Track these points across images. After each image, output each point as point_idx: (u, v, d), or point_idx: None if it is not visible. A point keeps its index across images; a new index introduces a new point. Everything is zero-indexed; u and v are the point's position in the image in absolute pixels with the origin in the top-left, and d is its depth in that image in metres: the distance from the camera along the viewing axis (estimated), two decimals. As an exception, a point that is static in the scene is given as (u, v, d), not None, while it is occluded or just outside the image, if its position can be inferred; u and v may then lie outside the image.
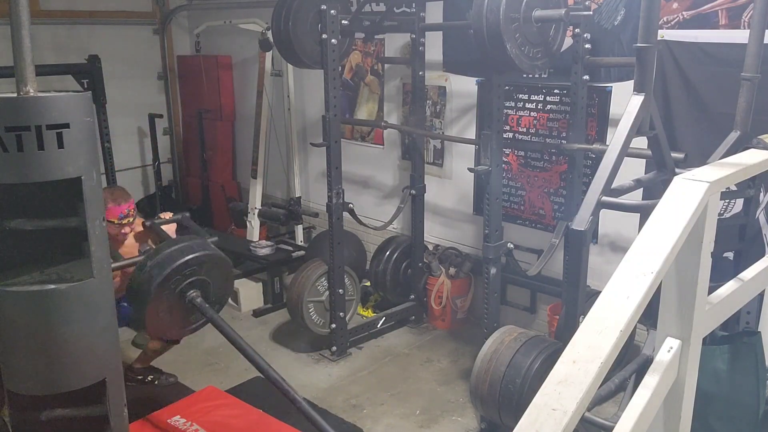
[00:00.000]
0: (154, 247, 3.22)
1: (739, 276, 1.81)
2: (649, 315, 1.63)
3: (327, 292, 4.25)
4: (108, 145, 5.28)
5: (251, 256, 5.15)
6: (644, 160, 3.49)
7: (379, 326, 4.56)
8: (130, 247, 3.63)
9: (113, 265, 2.97)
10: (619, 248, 3.96)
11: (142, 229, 3.64)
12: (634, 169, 3.37)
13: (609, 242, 4.01)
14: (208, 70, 6.37)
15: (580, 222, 2.54)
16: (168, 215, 3.68)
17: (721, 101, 3.27)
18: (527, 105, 4.23)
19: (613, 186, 2.63)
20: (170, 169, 6.98)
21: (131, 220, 3.53)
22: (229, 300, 5.06)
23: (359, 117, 5.30)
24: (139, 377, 3.90)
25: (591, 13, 3.37)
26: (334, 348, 4.23)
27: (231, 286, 3.33)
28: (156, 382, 3.93)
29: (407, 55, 4.68)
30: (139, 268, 3.00)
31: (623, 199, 2.65)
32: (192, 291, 3.06)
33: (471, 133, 4.60)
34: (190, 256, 3.02)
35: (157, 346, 3.83)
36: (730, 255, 2.93)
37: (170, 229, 3.64)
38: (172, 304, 3.08)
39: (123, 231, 3.53)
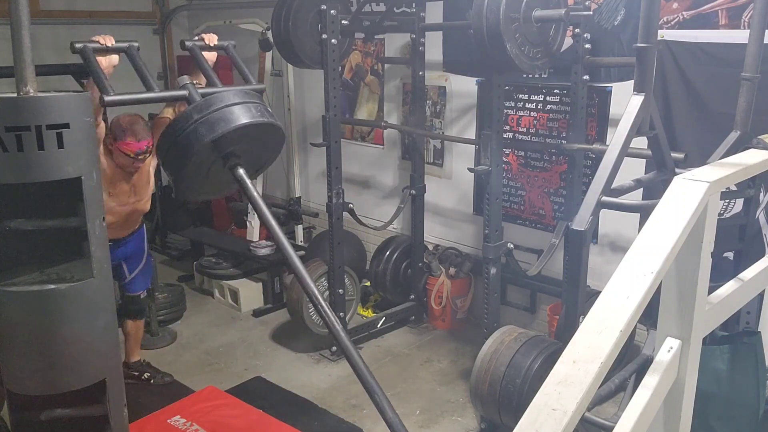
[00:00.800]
0: (193, 83, 2.57)
1: (739, 276, 1.81)
2: (649, 315, 1.63)
3: (327, 292, 4.25)
4: (108, 145, 5.27)
5: (251, 256, 5.14)
6: (644, 160, 3.49)
7: (379, 326, 4.56)
8: (141, 172, 3.45)
9: (145, 95, 2.52)
10: (619, 248, 3.96)
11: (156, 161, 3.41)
12: (634, 169, 3.37)
13: (609, 242, 4.01)
14: (208, 70, 6.36)
15: (580, 222, 2.54)
16: (213, 39, 2.96)
17: (721, 101, 3.27)
18: (527, 105, 4.23)
19: (613, 186, 2.63)
20: (170, 169, 6.97)
21: (148, 156, 3.33)
22: (229, 300, 5.08)
23: (359, 117, 5.30)
24: (135, 373, 3.90)
25: (591, 13, 3.37)
26: (334, 348, 4.23)
27: (276, 156, 2.79)
28: (152, 381, 3.93)
29: (407, 55, 4.68)
30: (183, 118, 2.39)
31: (623, 199, 2.65)
32: (236, 159, 2.51)
33: (471, 133, 4.60)
34: (247, 122, 2.40)
35: (128, 326, 3.85)
36: (730, 255, 2.93)
37: (210, 59, 3.00)
38: (209, 166, 2.53)
39: (135, 165, 3.35)
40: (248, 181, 2.53)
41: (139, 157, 3.31)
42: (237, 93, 2.47)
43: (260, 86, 2.79)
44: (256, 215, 5.55)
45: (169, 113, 3.42)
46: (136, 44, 2.68)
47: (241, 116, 2.38)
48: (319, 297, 2.44)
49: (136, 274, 3.77)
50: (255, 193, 2.55)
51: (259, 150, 2.66)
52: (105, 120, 3.27)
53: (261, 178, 5.63)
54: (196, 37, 2.91)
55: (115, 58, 2.71)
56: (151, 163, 3.53)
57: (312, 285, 2.46)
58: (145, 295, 3.93)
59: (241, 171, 2.51)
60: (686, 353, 1.50)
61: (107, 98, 2.39)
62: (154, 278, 4.30)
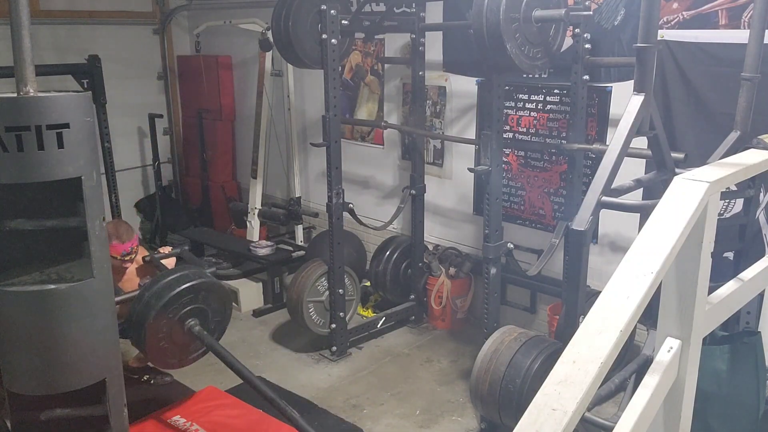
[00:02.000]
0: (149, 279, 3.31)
1: (739, 276, 1.81)
2: (649, 315, 1.63)
3: (327, 292, 4.25)
4: (108, 145, 5.28)
5: (251, 256, 5.14)
6: (644, 160, 3.49)
7: (379, 326, 4.56)
8: (130, 279, 3.71)
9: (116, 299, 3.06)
10: (619, 248, 3.96)
11: (142, 262, 3.74)
12: (634, 169, 3.37)
13: (609, 242, 4.01)
14: (208, 70, 6.37)
15: (580, 222, 2.54)
16: (167, 249, 3.77)
17: (721, 101, 3.27)
18: (527, 105, 4.23)
19: (613, 186, 2.63)
20: (170, 169, 6.98)
21: (133, 256, 3.63)
22: (229, 300, 5.09)
23: (359, 117, 5.30)
24: (135, 376, 3.90)
25: (591, 13, 3.37)
26: (334, 348, 4.23)
27: (229, 313, 3.39)
28: (152, 381, 3.93)
29: (407, 55, 4.68)
30: (137, 299, 3.07)
31: (623, 199, 2.65)
32: (190, 320, 3.13)
33: (471, 133, 4.60)
34: (187, 284, 3.08)
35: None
36: (730, 255, 2.93)
37: (170, 263, 3.71)
38: (172, 333, 3.15)
39: (124, 266, 3.63)
40: (206, 334, 3.15)
41: (126, 258, 3.58)
42: (177, 269, 3.24)
43: (211, 270, 3.47)
44: (255, 215, 5.56)
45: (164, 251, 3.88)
46: (186, 248, 3.84)
47: (181, 282, 3.08)
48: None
49: None
50: (216, 345, 3.16)
51: (212, 306, 3.24)
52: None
53: (261, 179, 5.63)
54: (155, 252, 3.76)
55: (173, 260, 3.74)
56: (138, 273, 3.76)
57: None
58: None
59: (198, 328, 3.13)
60: (686, 353, 1.50)
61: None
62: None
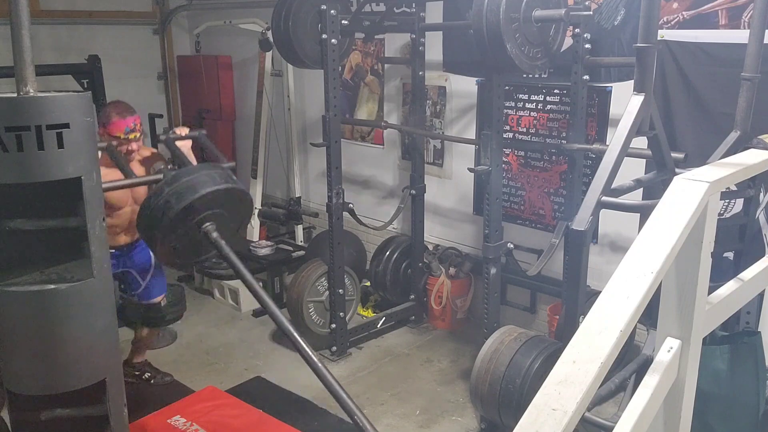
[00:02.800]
0: (168, 167, 2.91)
1: (739, 276, 1.81)
2: (649, 315, 1.63)
3: (327, 292, 4.25)
4: (108, 145, 5.27)
5: (251, 256, 5.14)
6: (644, 160, 3.49)
7: (379, 326, 4.56)
8: (136, 171, 3.40)
9: (124, 182, 2.84)
10: (619, 248, 3.96)
11: (149, 154, 3.50)
12: (634, 169, 3.37)
13: (609, 242, 4.01)
14: (208, 70, 6.37)
15: (580, 222, 2.54)
16: (184, 131, 3.35)
17: (721, 101, 3.27)
18: (527, 105, 4.23)
19: (613, 186, 2.63)
20: (170, 169, 6.97)
21: (138, 135, 3.34)
22: (229, 300, 5.08)
23: (359, 117, 5.30)
24: (137, 373, 3.90)
25: (591, 13, 3.37)
26: (334, 348, 4.23)
27: (248, 220, 3.02)
28: (152, 381, 3.93)
29: (407, 55, 4.68)
30: (155, 194, 2.70)
31: (623, 199, 2.65)
32: (208, 224, 2.77)
33: (471, 133, 4.60)
34: (212, 189, 2.71)
35: (144, 332, 3.85)
36: (730, 255, 2.93)
37: (185, 147, 3.34)
38: (186, 235, 2.80)
39: (130, 147, 3.33)
40: (222, 243, 2.80)
41: (129, 136, 3.28)
42: (203, 167, 2.84)
43: (230, 164, 3.09)
44: (256, 215, 5.56)
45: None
46: (204, 131, 3.39)
47: (206, 185, 2.71)
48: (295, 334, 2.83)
49: (150, 279, 3.70)
50: (230, 253, 2.83)
51: (230, 213, 2.91)
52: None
53: (261, 179, 5.63)
54: (170, 132, 3.33)
55: (188, 143, 3.36)
56: (148, 162, 3.51)
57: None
58: (165, 302, 3.83)
59: (215, 234, 2.78)
60: (686, 353, 1.50)
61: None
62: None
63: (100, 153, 3.11)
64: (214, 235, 2.78)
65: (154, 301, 3.76)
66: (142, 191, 3.47)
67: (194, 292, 5.36)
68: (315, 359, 2.71)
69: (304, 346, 2.73)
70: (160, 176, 2.79)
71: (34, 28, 1.94)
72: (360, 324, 4.48)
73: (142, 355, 3.98)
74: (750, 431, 2.49)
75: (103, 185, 2.44)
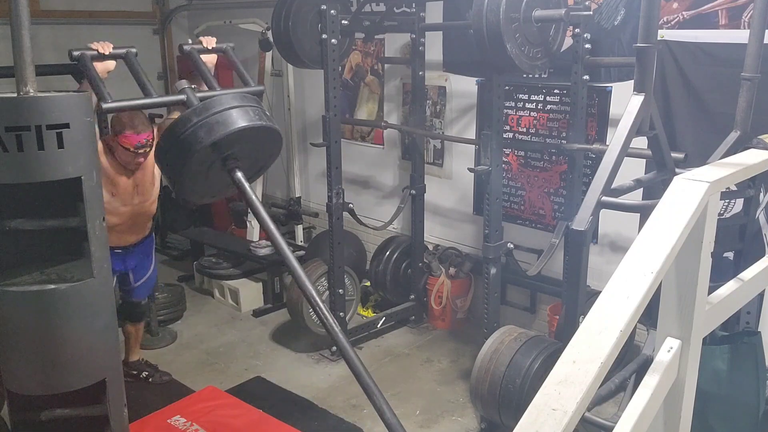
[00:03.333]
0: (191, 87, 2.60)
1: (739, 276, 1.81)
2: (649, 315, 1.63)
3: (327, 292, 4.25)
4: (108, 145, 5.28)
5: (251, 256, 5.14)
6: (644, 160, 3.49)
7: (379, 326, 4.56)
8: (146, 169, 3.41)
9: (143, 101, 2.54)
10: (619, 248, 3.96)
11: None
12: (634, 169, 3.37)
13: (609, 242, 4.01)
14: (208, 70, 6.36)
15: (580, 222, 2.54)
16: (211, 42, 2.96)
17: (721, 101, 3.27)
18: (527, 105, 4.23)
19: (613, 186, 2.63)
20: (170, 169, 6.97)
21: (148, 150, 3.25)
22: (229, 300, 5.08)
23: (359, 117, 5.30)
24: (134, 372, 3.90)
25: (591, 13, 3.37)
26: (334, 348, 4.23)
27: (274, 158, 2.79)
28: (150, 379, 3.93)
29: (407, 55, 4.68)
30: (182, 121, 2.40)
31: (623, 199, 2.65)
32: (234, 161, 2.52)
33: (471, 133, 4.60)
34: (246, 125, 2.41)
35: (128, 327, 3.87)
36: (730, 255, 2.93)
37: (210, 62, 3.03)
38: (207, 169, 2.54)
39: (137, 161, 3.29)
40: (246, 184, 2.54)
41: (140, 151, 3.24)
42: (235, 96, 2.49)
43: (259, 88, 2.78)
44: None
45: (175, 117, 3.37)
46: (134, 50, 2.68)
47: (239, 119, 2.39)
48: (318, 300, 2.46)
49: (142, 282, 3.77)
50: (253, 196, 2.55)
51: (258, 152, 2.66)
52: (105, 124, 3.26)
53: (261, 179, 5.63)
54: (194, 41, 2.89)
55: (111, 64, 2.74)
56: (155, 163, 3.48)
57: (311, 287, 2.50)
58: (146, 301, 3.96)
59: (240, 174, 2.52)
60: (686, 353, 1.50)
61: (105, 105, 2.40)
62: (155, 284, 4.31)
63: (100, 144, 3.07)
64: (239, 174, 2.52)
65: (135, 301, 3.83)
66: (147, 182, 3.45)
67: (194, 292, 5.36)
68: (342, 338, 2.46)
69: (332, 322, 2.46)
70: (183, 97, 2.51)
71: (34, 28, 1.94)
72: (360, 324, 4.48)
73: (136, 353, 3.98)
74: (750, 431, 2.49)
75: (119, 104, 2.34)
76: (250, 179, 2.67)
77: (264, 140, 2.61)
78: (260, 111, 2.50)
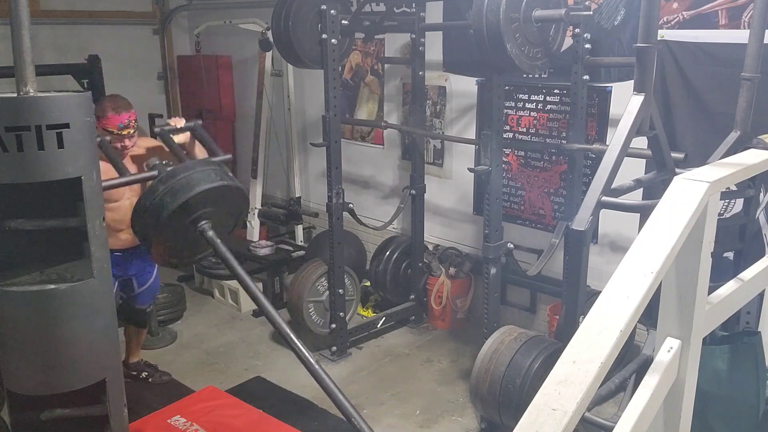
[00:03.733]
0: (163, 162, 2.83)
1: (739, 276, 1.81)
2: (649, 315, 1.63)
3: (327, 292, 4.25)
4: (108, 145, 5.28)
5: (251, 256, 5.14)
6: (644, 160, 3.49)
7: (379, 326, 4.56)
8: (139, 165, 3.39)
9: (116, 181, 2.73)
10: (619, 248, 3.96)
11: (150, 145, 3.48)
12: (634, 169, 3.37)
13: (609, 242, 4.01)
14: (208, 70, 6.37)
15: (580, 222, 2.54)
16: (179, 122, 3.27)
17: (721, 101, 3.27)
18: (527, 105, 4.23)
19: (613, 186, 2.63)
20: (170, 169, 6.98)
21: (132, 132, 3.31)
22: (229, 300, 5.08)
23: (359, 117, 5.30)
24: (133, 373, 3.90)
25: (591, 13, 3.37)
26: (334, 348, 4.24)
27: (243, 218, 2.99)
28: (150, 380, 3.93)
29: (407, 55, 4.68)
30: (150, 192, 2.65)
31: (623, 199, 2.65)
32: (204, 222, 2.72)
33: (471, 133, 4.60)
34: (208, 186, 2.65)
35: (132, 332, 3.87)
36: (730, 255, 2.93)
37: (185, 138, 3.32)
38: (181, 234, 2.77)
39: (122, 143, 3.30)
40: (219, 242, 2.76)
41: (123, 132, 3.27)
42: (198, 163, 2.78)
43: (226, 157, 3.06)
44: (255, 215, 5.56)
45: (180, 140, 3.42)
46: (200, 122, 3.33)
47: (202, 182, 2.65)
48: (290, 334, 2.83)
49: (145, 288, 3.72)
50: (227, 254, 2.77)
51: (226, 211, 2.88)
52: None
53: (261, 179, 5.63)
54: (164, 123, 3.31)
55: (186, 136, 3.33)
56: (147, 154, 3.44)
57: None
58: (151, 308, 3.93)
59: (211, 233, 2.74)
60: (686, 353, 1.50)
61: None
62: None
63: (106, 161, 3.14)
64: (210, 233, 2.74)
65: (140, 308, 3.79)
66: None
67: (194, 292, 5.36)
68: (313, 361, 2.74)
69: (301, 347, 2.77)
70: (155, 173, 2.72)
71: (34, 28, 1.94)
72: (360, 324, 4.48)
73: (136, 355, 3.98)
74: (750, 431, 2.49)
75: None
76: (224, 237, 2.89)
77: (229, 199, 2.84)
78: (221, 172, 2.77)
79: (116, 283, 3.48)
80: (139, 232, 2.77)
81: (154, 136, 3.10)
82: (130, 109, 3.34)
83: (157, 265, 3.80)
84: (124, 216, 3.39)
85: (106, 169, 3.20)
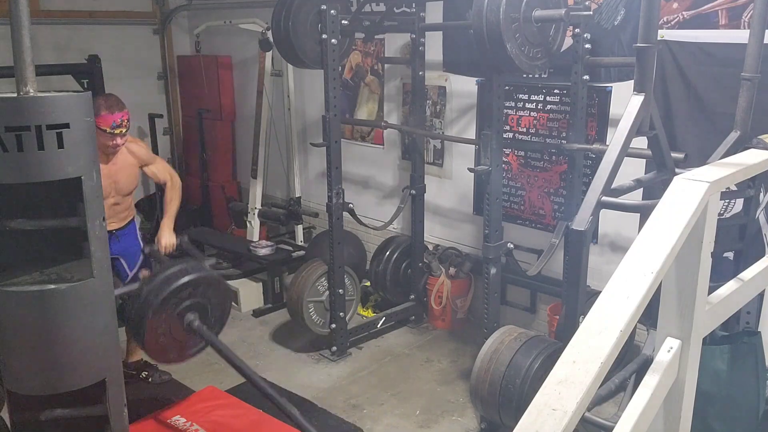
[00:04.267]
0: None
1: (739, 276, 1.81)
2: (649, 315, 1.63)
3: (327, 292, 4.25)
4: (108, 145, 5.27)
5: (251, 256, 5.14)
6: (644, 160, 3.49)
7: (379, 326, 4.56)
8: (123, 166, 3.54)
9: (118, 291, 2.99)
10: (619, 248, 3.96)
11: (139, 148, 3.63)
12: (634, 169, 3.37)
13: (609, 242, 4.01)
14: (208, 70, 6.37)
15: (580, 222, 2.54)
16: (169, 247, 3.67)
17: (721, 101, 3.27)
18: (527, 105, 4.23)
19: (613, 186, 2.63)
20: (170, 169, 6.98)
21: (124, 131, 3.38)
22: (229, 300, 5.08)
23: (359, 117, 5.30)
24: (133, 372, 3.90)
25: (591, 13, 3.37)
26: (334, 348, 4.24)
27: (229, 308, 3.28)
28: (150, 380, 3.93)
29: (407, 55, 4.68)
30: (135, 297, 2.95)
31: (623, 199, 2.65)
32: (190, 315, 3.00)
33: (471, 133, 4.60)
34: (186, 279, 2.96)
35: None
36: (730, 255, 2.93)
37: (169, 247, 3.67)
38: (171, 329, 3.02)
39: (114, 141, 3.37)
40: (205, 329, 3.02)
41: (116, 131, 3.33)
42: (176, 263, 3.08)
43: (207, 263, 3.34)
44: (256, 215, 5.56)
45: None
46: (186, 238, 3.66)
47: (179, 276, 2.93)
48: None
49: (137, 271, 3.77)
50: (215, 340, 3.05)
51: (212, 301, 3.12)
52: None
53: (261, 179, 5.64)
54: (154, 246, 3.66)
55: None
56: (137, 161, 3.62)
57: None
58: None
59: (198, 323, 3.00)
60: (686, 353, 1.50)
61: None
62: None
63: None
64: (196, 324, 3.01)
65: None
66: (123, 180, 3.56)
67: (194, 292, 5.36)
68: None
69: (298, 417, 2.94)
70: (135, 286, 3.05)
71: (34, 28, 1.94)
72: (360, 324, 4.48)
73: (137, 354, 3.98)
74: (750, 431, 2.49)
75: None
76: (216, 328, 3.16)
77: (211, 289, 3.09)
78: (199, 266, 3.07)
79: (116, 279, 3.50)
80: (134, 336, 3.00)
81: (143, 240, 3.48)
82: (124, 109, 3.39)
83: (143, 249, 3.85)
84: (109, 210, 3.45)
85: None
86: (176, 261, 3.20)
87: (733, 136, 2.83)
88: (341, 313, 4.18)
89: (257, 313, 4.96)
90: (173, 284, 2.93)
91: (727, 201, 3.25)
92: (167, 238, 3.67)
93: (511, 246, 3.58)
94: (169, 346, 3.06)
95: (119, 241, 3.65)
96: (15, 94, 1.95)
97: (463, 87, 4.57)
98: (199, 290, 3.03)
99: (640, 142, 2.90)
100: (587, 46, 3.44)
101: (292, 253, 5.25)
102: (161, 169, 3.79)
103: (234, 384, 3.92)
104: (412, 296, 4.74)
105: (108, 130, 3.31)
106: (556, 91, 4.07)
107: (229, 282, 5.04)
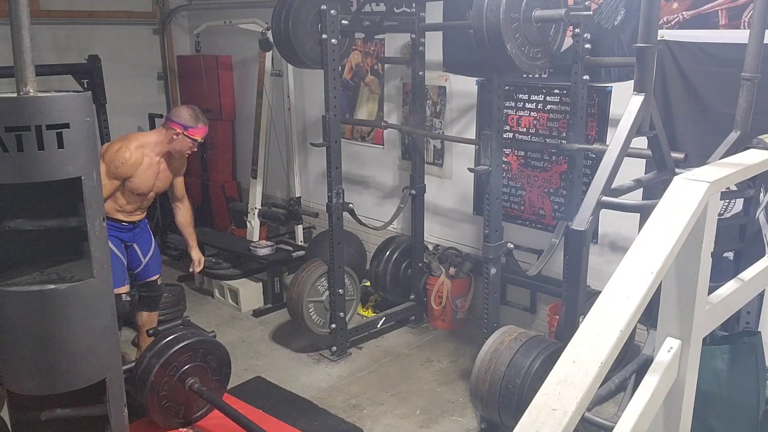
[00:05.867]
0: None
1: (739, 276, 1.81)
2: (649, 315, 1.63)
3: (327, 292, 4.25)
4: (108, 145, 5.28)
5: (251, 256, 5.14)
6: (644, 160, 3.49)
7: (379, 326, 4.56)
8: (167, 169, 3.79)
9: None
10: (619, 248, 3.96)
11: (185, 161, 3.90)
12: (634, 169, 3.37)
13: (609, 242, 4.01)
14: (208, 70, 6.37)
15: (580, 222, 2.54)
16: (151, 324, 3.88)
17: (721, 101, 3.27)
18: (527, 105, 4.23)
19: (613, 186, 2.63)
20: (170, 169, 6.98)
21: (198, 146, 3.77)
22: (229, 300, 5.08)
23: (359, 117, 5.30)
24: None
25: (591, 13, 3.37)
26: (334, 348, 4.23)
27: (228, 373, 3.48)
28: None
29: (407, 55, 4.68)
30: (138, 362, 3.22)
31: (623, 199, 2.65)
32: (190, 378, 3.25)
33: (471, 133, 4.60)
34: (185, 342, 3.24)
35: (143, 317, 3.99)
36: (730, 255, 2.93)
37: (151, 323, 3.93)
38: (173, 392, 3.24)
39: (194, 149, 3.74)
40: (207, 392, 3.26)
41: (199, 142, 3.73)
42: (177, 331, 3.34)
43: (211, 333, 3.56)
44: (256, 215, 5.56)
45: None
46: (188, 317, 3.71)
47: (180, 341, 3.22)
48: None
49: (150, 257, 3.90)
50: (220, 401, 3.28)
51: (211, 365, 3.36)
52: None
53: (261, 179, 5.64)
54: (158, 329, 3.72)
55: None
56: (175, 170, 3.87)
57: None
58: (161, 282, 4.05)
59: (197, 385, 3.25)
60: (686, 353, 1.50)
61: None
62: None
63: (158, 157, 3.68)
64: (197, 386, 3.25)
65: (151, 280, 3.93)
66: (163, 180, 3.78)
67: (194, 292, 5.36)
68: None
69: None
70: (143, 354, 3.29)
71: (34, 28, 1.94)
72: (360, 324, 4.48)
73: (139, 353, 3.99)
74: (750, 431, 2.49)
75: None
76: (216, 391, 3.39)
77: (208, 353, 3.33)
78: (197, 333, 3.36)
79: (125, 255, 3.76)
80: (137, 400, 3.17)
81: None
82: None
83: (153, 237, 4.03)
84: (148, 203, 3.84)
85: (148, 171, 3.62)
86: (175, 329, 3.41)
87: (733, 136, 2.83)
88: (341, 313, 4.18)
89: (257, 313, 4.96)
90: (173, 347, 3.20)
91: (727, 201, 3.25)
92: (199, 254, 4.16)
93: (511, 246, 3.57)
94: (173, 409, 3.28)
95: (140, 230, 3.86)
96: (15, 94, 1.95)
97: (463, 87, 4.57)
98: (198, 354, 3.29)
99: (640, 142, 2.90)
100: (587, 46, 3.44)
101: (292, 253, 5.25)
102: (181, 185, 3.99)
103: (234, 384, 3.92)
104: (412, 296, 4.74)
105: (199, 140, 3.69)
106: (556, 91, 4.07)
107: (229, 282, 5.06)
